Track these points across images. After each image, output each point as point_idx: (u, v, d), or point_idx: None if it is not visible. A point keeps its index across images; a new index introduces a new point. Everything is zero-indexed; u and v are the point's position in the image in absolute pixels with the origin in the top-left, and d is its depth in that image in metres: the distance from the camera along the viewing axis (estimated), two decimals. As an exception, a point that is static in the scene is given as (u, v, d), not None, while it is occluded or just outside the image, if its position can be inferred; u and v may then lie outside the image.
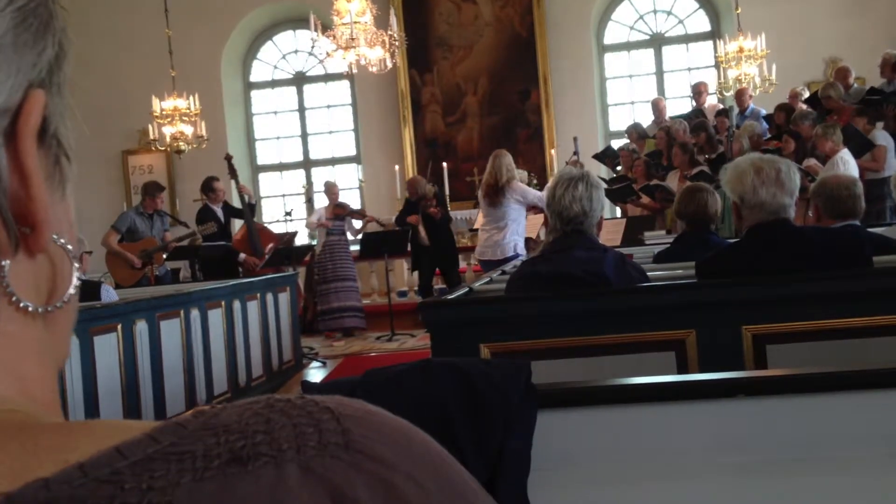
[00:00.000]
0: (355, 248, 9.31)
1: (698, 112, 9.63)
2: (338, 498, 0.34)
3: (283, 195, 12.80)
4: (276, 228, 9.97)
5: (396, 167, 11.12)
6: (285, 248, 8.19)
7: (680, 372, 2.45)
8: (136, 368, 4.70)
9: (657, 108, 10.09)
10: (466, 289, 3.27)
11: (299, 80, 12.88)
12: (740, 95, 9.49)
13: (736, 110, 9.40)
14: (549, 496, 1.36)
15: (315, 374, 7.33)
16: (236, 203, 8.78)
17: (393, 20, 8.82)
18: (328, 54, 8.62)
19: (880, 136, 7.30)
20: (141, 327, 4.79)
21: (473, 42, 11.67)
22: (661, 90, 11.85)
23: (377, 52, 8.51)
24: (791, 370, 1.53)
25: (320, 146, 12.93)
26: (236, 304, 6.11)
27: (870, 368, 1.44)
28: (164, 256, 7.92)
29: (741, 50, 9.75)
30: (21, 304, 0.42)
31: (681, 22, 12.09)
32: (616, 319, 2.53)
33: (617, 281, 2.66)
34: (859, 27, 10.55)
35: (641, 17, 12.11)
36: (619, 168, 9.45)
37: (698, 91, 10.05)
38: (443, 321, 2.63)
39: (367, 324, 9.17)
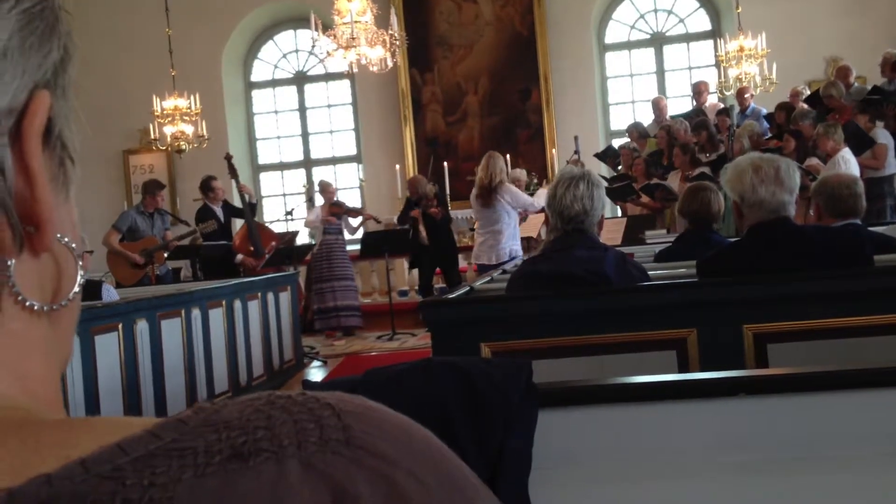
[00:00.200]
0: (354, 247, 9.31)
1: (699, 111, 9.63)
2: (339, 494, 0.34)
3: (284, 194, 12.81)
4: (277, 228, 9.97)
5: (397, 166, 11.12)
6: (286, 248, 8.19)
7: (681, 371, 2.45)
8: (137, 368, 4.70)
9: (658, 107, 10.09)
10: (467, 288, 3.27)
11: (300, 79, 12.88)
12: (741, 95, 9.48)
13: (737, 109, 9.40)
14: (549, 495, 1.36)
15: (316, 373, 7.34)
16: (237, 202, 8.79)
17: (393, 19, 8.82)
18: (329, 54, 8.62)
19: (881, 134, 7.30)
20: (142, 326, 4.80)
21: (474, 41, 11.67)
22: (661, 89, 11.85)
23: (378, 51, 8.51)
24: (792, 369, 1.53)
25: (321, 145, 12.93)
26: (237, 304, 6.12)
27: (870, 367, 1.44)
28: (165, 255, 7.92)
29: (742, 49, 9.74)
30: (27, 303, 0.42)
31: (681, 21, 12.09)
32: (617, 318, 2.53)
33: (618, 280, 2.66)
34: (860, 26, 10.55)
35: (642, 17, 12.11)
36: (619, 167, 9.45)
37: (698, 91, 10.05)
38: (443, 320, 2.63)
39: (368, 323, 9.18)
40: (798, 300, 2.48)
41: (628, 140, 9.67)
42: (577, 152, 9.15)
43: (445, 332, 2.61)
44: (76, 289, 0.46)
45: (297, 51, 12.86)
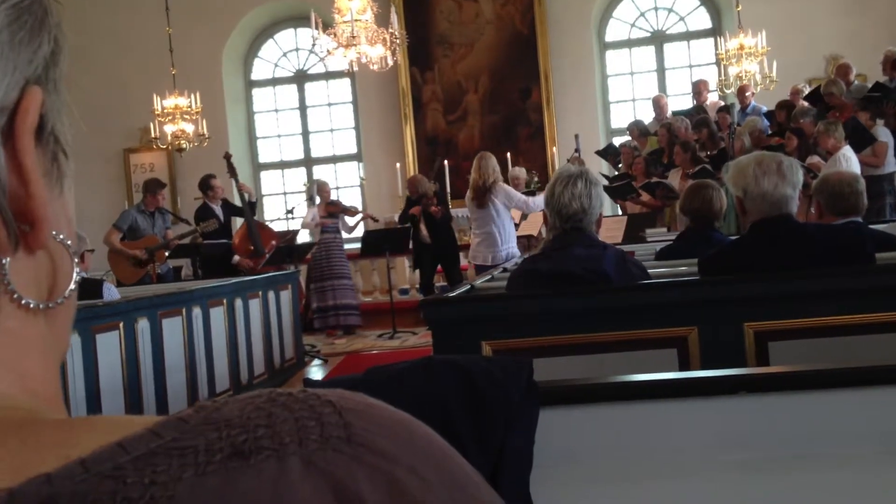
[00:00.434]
0: (354, 246, 9.31)
1: (700, 108, 9.63)
2: (340, 491, 0.34)
3: (285, 193, 12.81)
4: (278, 226, 9.97)
5: (397, 165, 11.12)
6: (287, 247, 8.19)
7: (682, 369, 2.45)
8: (138, 366, 4.70)
9: (658, 105, 10.09)
10: (468, 286, 3.27)
11: (300, 78, 12.88)
12: (741, 93, 9.48)
13: (737, 107, 9.39)
14: (550, 493, 1.36)
15: (317, 371, 7.34)
16: (237, 202, 8.79)
17: (394, 18, 8.81)
18: (329, 52, 8.62)
19: (882, 132, 7.30)
20: (143, 325, 4.80)
21: (474, 40, 11.66)
22: (662, 87, 11.84)
23: (378, 49, 8.50)
24: (793, 367, 1.53)
25: (321, 144, 12.92)
26: (238, 302, 6.12)
27: (871, 365, 1.43)
28: (166, 254, 7.93)
29: (742, 47, 9.73)
30: (22, 301, 0.42)
31: (682, 19, 12.08)
32: (618, 317, 2.53)
33: (617, 278, 2.65)
34: (860, 24, 10.54)
35: (642, 15, 12.10)
36: (620, 166, 9.45)
37: (698, 90, 10.05)
38: (444, 319, 2.63)
39: (370, 321, 9.19)
40: (799, 298, 2.47)
41: (629, 138, 9.67)
42: (577, 150, 9.14)
43: (446, 330, 2.61)
44: (72, 286, 0.46)
45: (297, 49, 12.85)
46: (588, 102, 11.64)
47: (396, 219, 9.70)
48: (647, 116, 10.27)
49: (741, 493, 1.36)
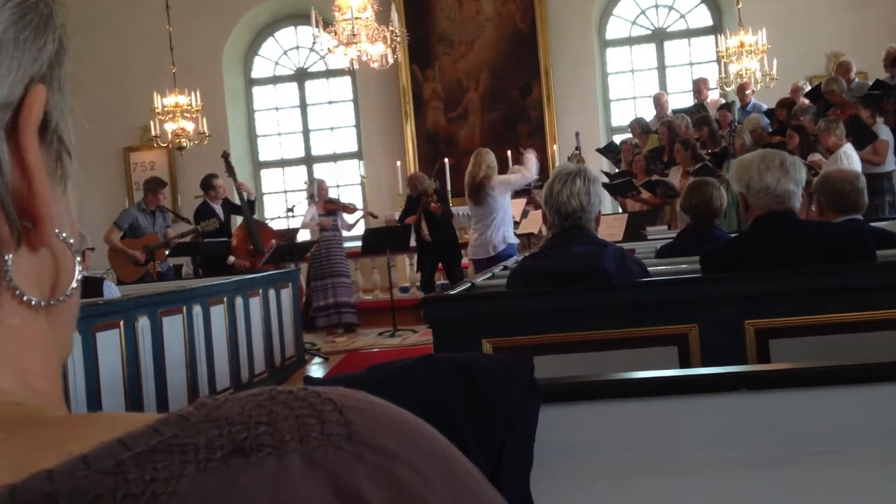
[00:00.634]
0: (355, 244, 9.31)
1: (700, 106, 9.62)
2: (340, 488, 0.34)
3: (285, 191, 12.81)
4: (279, 224, 9.96)
5: (398, 163, 11.12)
6: (287, 245, 8.19)
7: (682, 367, 2.45)
8: (139, 364, 4.71)
9: (659, 103, 10.09)
10: (468, 284, 3.27)
11: (301, 76, 12.88)
12: (742, 90, 9.48)
13: (738, 105, 9.39)
14: (551, 491, 1.37)
15: (317, 370, 7.35)
16: (236, 201, 8.79)
17: (394, 16, 8.81)
18: (329, 50, 8.61)
19: (882, 130, 7.30)
20: (143, 323, 4.80)
21: (475, 37, 11.66)
22: (662, 85, 11.83)
23: (378, 47, 8.50)
24: (793, 364, 1.53)
25: (322, 142, 12.92)
26: (238, 301, 6.12)
27: (872, 362, 1.43)
28: (167, 253, 7.93)
29: (742, 45, 9.73)
30: (24, 298, 0.42)
31: (682, 17, 12.07)
32: (618, 314, 2.53)
33: (617, 276, 2.65)
34: (861, 22, 10.53)
35: (643, 12, 12.10)
36: (621, 163, 9.44)
37: (698, 88, 10.05)
38: (445, 316, 2.63)
39: (370, 320, 9.19)
40: (800, 295, 2.47)
41: (630, 136, 9.67)
42: (577, 148, 9.15)
43: (447, 328, 2.61)
44: (74, 284, 0.46)
45: (297, 47, 12.85)
46: (588, 100, 11.64)
47: (397, 217, 9.70)
48: (648, 114, 10.26)
49: (742, 490, 1.36)
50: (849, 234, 2.76)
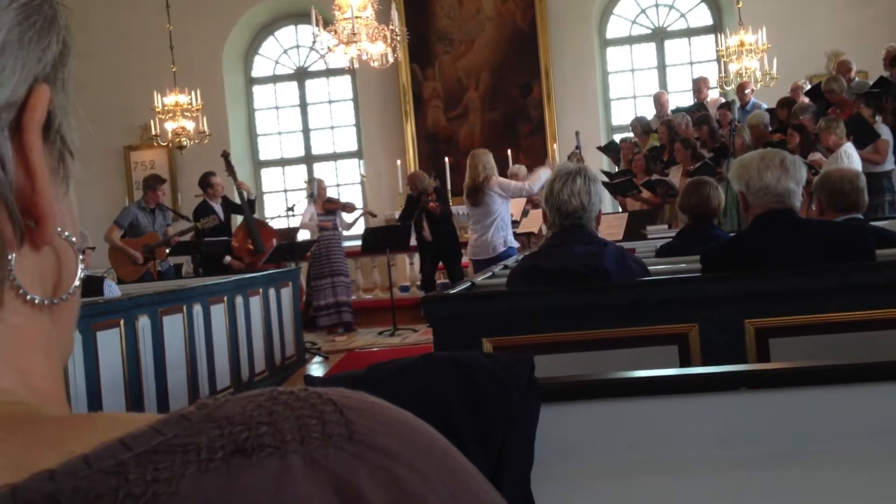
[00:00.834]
0: (355, 243, 9.31)
1: (700, 106, 9.62)
2: (341, 488, 0.34)
3: (286, 190, 12.80)
4: (279, 224, 9.97)
5: (398, 162, 11.11)
6: (287, 244, 8.19)
7: (682, 366, 2.45)
8: (139, 364, 4.71)
9: (659, 102, 10.08)
10: (468, 283, 3.27)
11: (301, 75, 12.87)
12: (741, 90, 9.47)
13: (737, 104, 9.39)
14: (551, 490, 1.37)
15: (317, 369, 7.35)
16: (236, 200, 8.79)
17: (394, 15, 8.81)
18: (329, 49, 8.62)
19: (882, 129, 7.29)
20: (143, 322, 4.80)
21: (475, 36, 11.65)
22: (662, 84, 11.83)
23: (378, 46, 8.50)
24: (793, 363, 1.53)
25: (322, 141, 12.92)
26: (238, 300, 6.12)
27: (872, 362, 1.44)
28: (167, 252, 7.93)
29: (742, 44, 9.72)
30: (28, 297, 0.42)
31: (683, 16, 12.07)
32: (618, 314, 2.53)
33: (617, 275, 2.65)
34: (861, 21, 10.53)
35: (643, 12, 12.09)
36: (621, 162, 9.45)
37: (698, 87, 10.05)
38: (445, 316, 2.63)
39: (370, 319, 9.19)
40: (800, 294, 2.47)
41: (629, 135, 9.67)
42: (578, 147, 9.14)
43: (447, 327, 2.61)
44: (76, 283, 0.46)
45: (297, 46, 12.85)
46: (589, 99, 11.64)
47: (397, 216, 9.70)
48: (648, 113, 10.26)
49: (741, 488, 1.36)
50: (849, 234, 2.76)
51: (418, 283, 9.68)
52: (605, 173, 9.10)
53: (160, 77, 10.64)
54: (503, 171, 8.07)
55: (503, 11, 11.55)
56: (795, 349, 2.40)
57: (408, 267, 10.11)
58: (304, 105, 12.89)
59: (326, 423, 0.36)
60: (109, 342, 4.43)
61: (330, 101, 12.89)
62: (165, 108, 10.44)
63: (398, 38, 8.73)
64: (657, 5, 12.05)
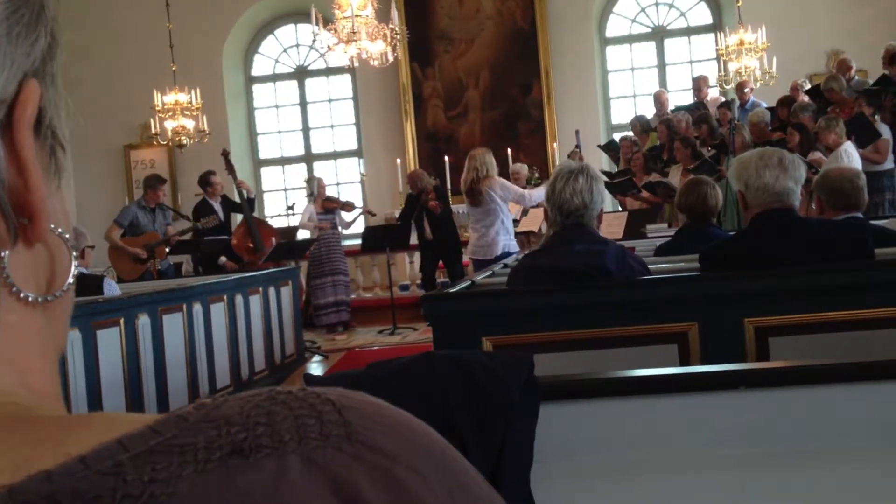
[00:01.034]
0: (354, 242, 9.30)
1: (700, 104, 9.62)
2: (339, 489, 0.34)
3: (285, 189, 12.80)
4: (279, 222, 9.97)
5: (398, 161, 11.11)
6: (287, 243, 8.19)
7: (682, 365, 2.45)
8: (139, 362, 4.71)
9: (659, 101, 10.08)
10: (468, 282, 3.27)
11: (301, 73, 12.87)
12: (740, 88, 9.47)
13: (737, 103, 9.38)
14: (551, 488, 1.37)
15: (317, 368, 7.35)
16: (236, 199, 8.79)
17: (394, 14, 8.81)
18: (329, 48, 8.62)
19: (884, 129, 7.29)
20: (143, 321, 4.80)
21: (475, 35, 11.65)
22: (662, 83, 11.82)
23: (378, 45, 8.50)
24: (793, 362, 1.53)
25: (322, 140, 12.91)
26: (238, 299, 6.12)
27: (872, 360, 1.44)
28: (167, 250, 7.93)
29: (742, 43, 9.72)
30: (21, 295, 0.42)
31: (682, 15, 12.06)
32: (618, 312, 2.53)
33: (618, 274, 2.65)
34: (862, 19, 10.52)
35: (643, 10, 12.08)
36: (620, 161, 9.44)
37: (698, 86, 10.04)
38: (445, 314, 2.63)
39: (370, 318, 9.19)
40: (800, 293, 2.47)
41: (630, 133, 9.66)
42: (578, 146, 9.14)
43: (446, 326, 2.61)
44: (70, 279, 0.46)
45: (297, 45, 12.84)
46: (588, 98, 11.63)
47: (396, 215, 9.70)
48: (648, 112, 10.26)
49: (741, 487, 1.36)
50: (849, 233, 2.75)
51: (418, 281, 9.68)
52: (605, 173, 9.09)
53: (160, 76, 10.63)
54: (503, 170, 8.07)
55: (503, 10, 11.55)
56: (795, 348, 2.40)
57: (407, 266, 10.11)
58: (303, 104, 12.88)
59: (325, 423, 0.36)
60: (109, 341, 4.43)
61: (330, 100, 12.88)
62: (165, 106, 10.44)
63: (398, 36, 8.73)
64: (657, 4, 12.04)
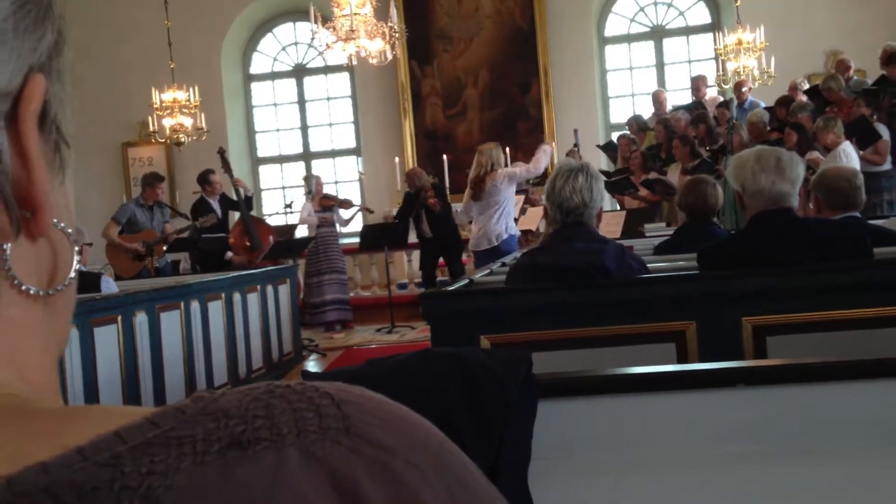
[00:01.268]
0: (353, 240, 9.29)
1: (698, 104, 9.62)
2: (338, 482, 0.34)
3: (283, 187, 12.79)
4: (277, 221, 9.96)
5: (396, 159, 11.10)
6: (285, 241, 8.18)
7: (680, 363, 2.45)
8: (137, 360, 4.70)
9: (658, 100, 10.08)
10: (467, 280, 3.26)
11: (299, 71, 12.86)
12: (738, 88, 9.47)
13: (735, 103, 9.39)
14: (549, 485, 1.37)
15: (314, 366, 7.34)
16: (234, 197, 8.77)
17: (393, 12, 8.80)
18: (328, 46, 8.61)
19: (883, 130, 7.29)
20: (141, 319, 4.80)
21: (474, 34, 11.64)
22: (661, 82, 11.83)
23: (377, 43, 8.49)
24: (790, 360, 1.53)
25: (320, 138, 12.91)
26: (236, 297, 6.12)
27: (869, 359, 1.44)
28: (165, 248, 7.92)
29: (740, 42, 9.72)
30: (23, 288, 0.42)
31: (681, 14, 12.06)
32: (616, 311, 2.53)
33: (617, 272, 2.65)
34: (861, 19, 10.52)
35: (642, 10, 12.09)
36: (618, 161, 9.44)
37: (696, 86, 10.04)
38: (443, 312, 2.63)
39: (368, 316, 9.18)
40: (797, 292, 2.48)
41: (627, 132, 9.66)
42: (576, 145, 9.14)
43: (445, 324, 2.60)
44: (72, 274, 0.46)
45: (296, 43, 12.83)
46: (587, 97, 11.63)
47: (395, 213, 9.69)
48: (647, 111, 10.26)
49: (738, 484, 1.36)
50: (848, 232, 2.76)
51: (416, 280, 9.67)
52: (603, 172, 9.08)
53: (158, 73, 10.62)
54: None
55: (502, 9, 11.55)
56: (793, 347, 2.41)
57: (406, 264, 10.11)
58: (302, 102, 12.87)
59: (323, 416, 0.36)
60: (107, 338, 4.43)
61: (328, 98, 12.87)
62: (163, 104, 10.43)
63: (397, 35, 8.72)
64: (656, 3, 12.04)
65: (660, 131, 8.89)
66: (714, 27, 11.45)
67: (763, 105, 9.00)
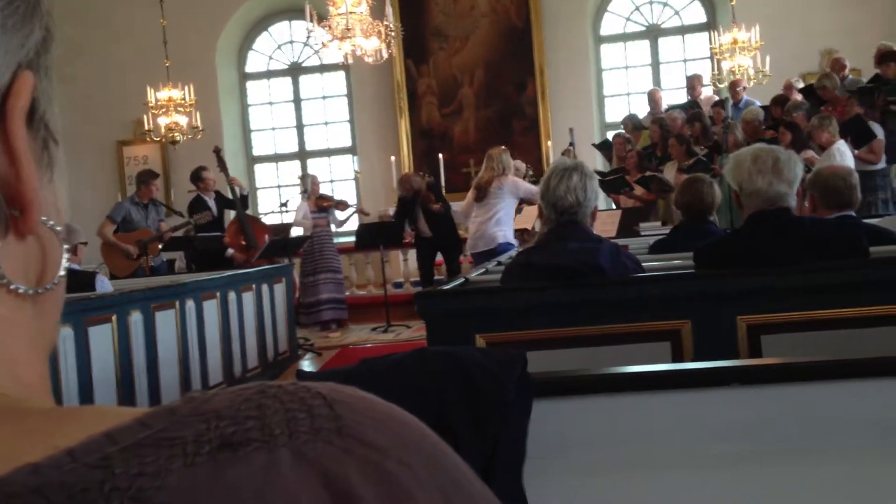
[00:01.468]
0: (347, 239, 9.29)
1: (694, 103, 9.63)
2: (330, 482, 0.34)
3: (279, 186, 12.78)
4: (272, 219, 9.94)
5: (392, 158, 11.10)
6: (281, 240, 8.17)
7: (675, 362, 2.46)
8: (131, 359, 4.69)
9: (653, 99, 10.09)
10: (462, 279, 3.27)
11: (295, 70, 12.85)
12: (734, 87, 9.48)
13: (730, 102, 9.40)
14: (544, 484, 1.37)
15: (309, 365, 7.34)
16: (229, 195, 8.76)
17: (389, 10, 8.79)
18: (324, 45, 8.60)
19: (876, 128, 7.31)
20: (136, 318, 4.79)
21: (469, 33, 11.64)
22: (656, 81, 11.83)
23: (373, 42, 8.49)
24: (785, 359, 1.54)
25: (316, 137, 12.89)
26: (231, 296, 6.11)
27: (864, 358, 1.44)
28: (160, 247, 7.91)
29: (735, 41, 9.73)
30: (11, 287, 0.42)
31: (677, 13, 12.08)
32: (611, 310, 2.53)
33: (612, 271, 2.66)
34: (855, 19, 10.54)
35: (637, 9, 12.09)
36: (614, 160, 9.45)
37: (692, 85, 10.05)
38: (438, 311, 2.63)
39: (363, 315, 9.18)
40: (794, 292, 2.48)
41: (621, 131, 9.67)
42: (572, 144, 9.15)
43: (440, 323, 2.61)
44: (61, 272, 0.45)
45: (291, 42, 12.81)
46: (583, 96, 11.64)
47: (391, 213, 9.69)
48: (642, 110, 10.27)
49: (733, 483, 1.36)
50: (844, 231, 2.76)
51: (412, 279, 9.67)
52: (598, 172, 9.09)
53: (153, 72, 10.60)
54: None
55: (498, 8, 11.54)
56: (787, 346, 2.41)
57: (401, 263, 10.11)
58: (297, 101, 12.86)
59: (315, 417, 0.36)
60: (101, 337, 4.42)
61: (324, 97, 12.86)
62: (159, 103, 10.41)
63: (392, 33, 8.72)
64: (651, 2, 12.05)
65: (655, 130, 8.90)
66: (709, 26, 11.47)
67: (758, 104, 9.01)
